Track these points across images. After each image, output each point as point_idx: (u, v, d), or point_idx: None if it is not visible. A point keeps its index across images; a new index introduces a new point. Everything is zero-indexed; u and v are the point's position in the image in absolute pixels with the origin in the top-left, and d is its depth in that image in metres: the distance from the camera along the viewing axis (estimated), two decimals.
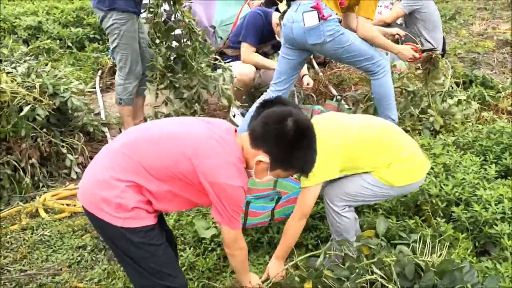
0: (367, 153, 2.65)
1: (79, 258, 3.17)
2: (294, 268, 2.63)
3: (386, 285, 2.21)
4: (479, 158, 3.54)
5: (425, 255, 2.38)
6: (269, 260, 2.83)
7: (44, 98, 4.07)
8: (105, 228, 2.07)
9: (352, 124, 2.73)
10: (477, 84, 5.40)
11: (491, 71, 6.62)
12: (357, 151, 2.63)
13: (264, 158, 2.14)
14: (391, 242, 2.73)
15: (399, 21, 6.38)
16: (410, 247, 2.48)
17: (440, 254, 2.43)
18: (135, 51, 4.39)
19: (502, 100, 5.13)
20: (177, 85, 4.39)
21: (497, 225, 2.83)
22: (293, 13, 3.94)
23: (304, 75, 5.14)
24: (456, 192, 3.11)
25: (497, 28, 9.08)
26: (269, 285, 2.56)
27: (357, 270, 2.33)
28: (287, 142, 2.12)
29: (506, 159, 3.52)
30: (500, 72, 6.63)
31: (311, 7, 3.82)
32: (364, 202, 2.82)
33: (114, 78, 6.28)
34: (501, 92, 5.28)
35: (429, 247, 2.42)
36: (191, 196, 2.12)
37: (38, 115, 3.95)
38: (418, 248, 2.45)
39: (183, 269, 2.93)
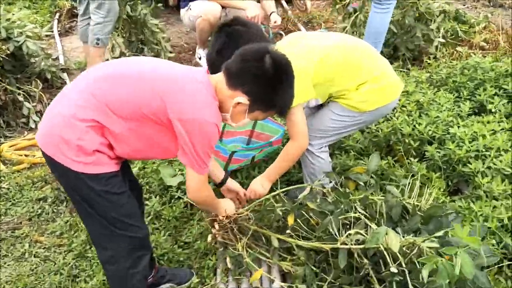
0: (336, 73, 2.49)
1: (39, 210, 3.03)
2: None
3: (368, 223, 2.12)
4: (453, 95, 3.45)
5: (413, 198, 2.30)
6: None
7: None
8: (65, 175, 1.92)
9: (319, 44, 2.54)
10: (449, 19, 5.24)
11: (463, 5, 6.46)
12: (324, 71, 2.46)
13: (243, 99, 1.97)
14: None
15: None
16: (400, 189, 2.41)
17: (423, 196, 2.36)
18: None
19: (475, 36, 5.01)
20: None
21: (471, 163, 2.76)
22: None
23: (272, 12, 4.89)
24: (430, 130, 3.02)
25: None
26: (248, 210, 2.44)
27: (342, 206, 2.26)
28: (268, 80, 1.97)
29: (480, 95, 3.42)
30: (473, 6, 6.49)
31: None
32: (338, 135, 2.69)
33: (74, 21, 6.05)
34: (474, 27, 5.16)
35: (417, 190, 2.34)
36: (157, 137, 1.95)
37: None
38: (407, 190, 2.37)
39: (149, 218, 2.83)
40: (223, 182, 2.56)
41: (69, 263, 2.63)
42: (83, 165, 1.86)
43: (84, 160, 1.86)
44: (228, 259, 2.42)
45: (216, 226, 2.42)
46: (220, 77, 2.02)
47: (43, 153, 1.93)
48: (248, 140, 3.10)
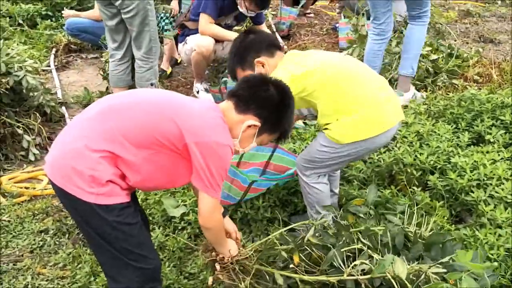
0: (320, 91, 2.49)
1: (41, 242, 2.99)
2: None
3: (371, 254, 2.12)
4: (451, 126, 3.49)
5: (412, 226, 2.31)
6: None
7: None
8: (76, 206, 1.90)
9: (313, 60, 2.60)
10: (442, 53, 5.36)
11: (455, 41, 6.61)
12: (307, 84, 2.49)
13: (255, 121, 2.06)
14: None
15: None
16: (398, 217, 2.42)
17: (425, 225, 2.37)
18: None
19: (468, 70, 5.12)
20: None
21: (473, 192, 2.79)
22: None
23: None
24: (431, 160, 3.05)
25: None
26: (251, 252, 2.38)
27: (343, 238, 2.25)
28: (275, 104, 2.11)
29: (477, 126, 3.48)
30: (464, 42, 6.65)
31: None
32: (327, 167, 2.65)
33: (70, 56, 6.11)
34: (467, 61, 5.27)
35: (416, 218, 2.35)
36: (171, 165, 1.96)
37: None
38: (406, 218, 2.38)
39: None
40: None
41: None
42: (95, 196, 1.85)
43: (97, 191, 1.85)
44: None
45: (218, 267, 2.34)
46: (226, 104, 2.10)
47: (53, 184, 1.92)
48: (263, 171, 3.10)
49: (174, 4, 5.53)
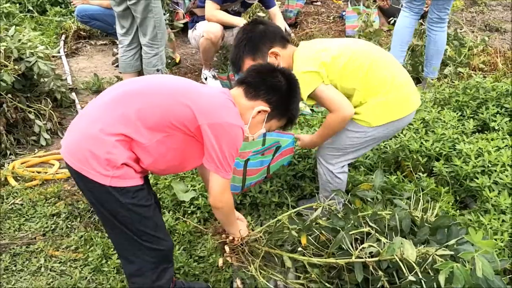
0: (347, 73, 2.54)
1: (53, 226, 3.06)
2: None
3: (379, 238, 2.17)
4: (457, 114, 3.54)
5: (419, 211, 2.36)
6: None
7: (9, 63, 3.87)
8: (92, 188, 1.96)
9: (329, 47, 2.62)
10: (449, 42, 5.38)
11: (461, 30, 6.61)
12: (334, 71, 2.53)
13: (265, 107, 2.14)
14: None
15: None
16: (405, 202, 2.47)
17: (430, 210, 2.42)
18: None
19: (473, 58, 5.15)
20: None
21: (478, 178, 2.84)
22: None
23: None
24: (437, 147, 3.10)
25: None
26: (261, 232, 2.44)
27: (352, 222, 2.30)
28: (284, 90, 2.18)
29: (482, 113, 3.52)
30: (470, 30, 6.64)
31: None
32: (355, 153, 2.72)
33: (80, 42, 6.15)
34: (472, 49, 5.29)
35: (422, 203, 2.39)
36: (183, 148, 2.02)
37: (3, 80, 3.75)
38: (412, 203, 2.42)
39: None
40: None
41: (86, 277, 2.65)
42: (110, 179, 1.90)
43: (112, 173, 1.90)
44: (238, 281, 2.42)
45: (227, 249, 2.40)
46: (236, 91, 2.17)
47: (69, 168, 1.97)
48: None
49: None
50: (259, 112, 2.13)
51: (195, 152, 2.03)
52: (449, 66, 4.80)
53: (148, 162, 1.97)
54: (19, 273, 2.72)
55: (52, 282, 2.66)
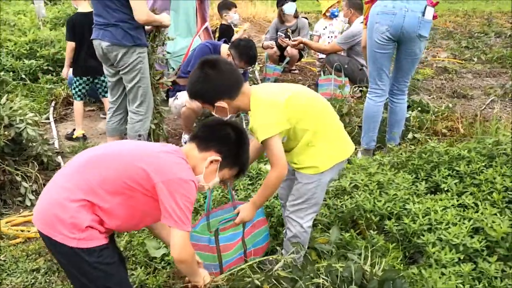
0: (303, 113, 2.77)
1: (33, 280, 3.27)
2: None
3: None
4: (411, 176, 3.83)
5: (368, 265, 2.60)
6: None
7: None
8: (61, 251, 2.16)
9: (287, 88, 2.87)
10: (414, 109, 5.77)
11: (429, 96, 7.04)
12: (294, 108, 2.74)
13: (216, 157, 2.40)
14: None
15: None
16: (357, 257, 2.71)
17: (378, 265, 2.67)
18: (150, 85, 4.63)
19: (436, 123, 5.50)
20: None
21: (424, 236, 3.10)
22: (405, 3, 4.41)
23: None
24: (388, 207, 3.38)
25: (437, 56, 9.63)
26: (224, 280, 2.64)
27: (309, 273, 2.52)
28: (233, 141, 2.46)
29: (435, 176, 3.82)
30: (438, 97, 7.07)
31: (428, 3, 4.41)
32: (319, 201, 2.96)
33: (69, 108, 6.50)
34: (438, 115, 5.66)
35: (371, 259, 2.63)
36: (143, 206, 2.23)
37: None
38: (362, 258, 2.66)
39: (134, 287, 3.08)
40: None
41: None
42: (77, 241, 2.11)
43: (78, 236, 2.11)
44: None
45: None
46: (189, 146, 2.45)
47: (40, 234, 2.20)
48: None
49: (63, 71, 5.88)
50: (211, 162, 2.39)
51: (152, 210, 2.25)
52: (412, 132, 5.14)
53: (110, 223, 2.20)
54: None
55: None
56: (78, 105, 5.74)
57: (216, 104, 2.70)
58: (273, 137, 2.68)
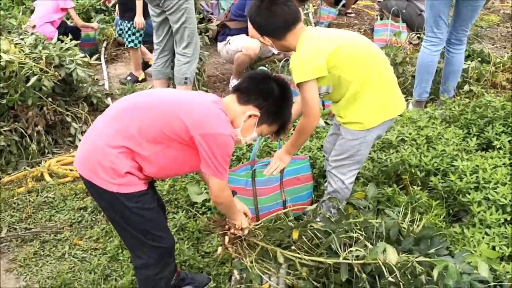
0: (350, 64, 2.66)
1: (80, 218, 3.42)
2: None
3: (366, 243, 2.36)
4: (463, 131, 3.68)
5: (406, 222, 2.55)
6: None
7: (50, 69, 4.25)
8: (102, 195, 2.22)
9: (340, 36, 2.74)
10: (473, 59, 5.48)
11: (492, 45, 6.67)
12: (340, 59, 2.64)
13: (255, 111, 2.32)
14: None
15: None
16: (396, 213, 2.66)
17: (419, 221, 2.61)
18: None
19: (497, 75, 5.23)
20: None
21: (470, 194, 3.00)
22: None
23: None
24: (435, 162, 3.27)
25: (505, 2, 9.05)
26: (260, 224, 2.66)
27: (343, 226, 2.49)
28: (275, 97, 2.35)
29: (488, 132, 3.65)
30: (502, 46, 6.69)
31: None
32: (362, 158, 2.88)
33: (119, 49, 6.55)
34: (498, 67, 5.37)
35: (411, 215, 2.58)
36: (181, 156, 2.24)
37: (44, 85, 4.14)
38: (401, 214, 2.61)
39: (174, 230, 3.16)
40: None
41: (103, 264, 2.98)
42: (117, 186, 2.15)
43: (118, 181, 2.15)
44: (235, 272, 2.64)
45: (227, 238, 2.60)
46: (229, 97, 2.38)
47: (82, 177, 2.25)
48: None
49: (138, 20, 5.62)
50: (249, 116, 2.33)
51: (191, 159, 2.26)
52: (468, 85, 4.91)
53: (150, 170, 2.22)
54: (46, 258, 3.09)
55: (73, 267, 3.00)
56: (136, 52, 5.75)
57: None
58: (309, 82, 2.61)
